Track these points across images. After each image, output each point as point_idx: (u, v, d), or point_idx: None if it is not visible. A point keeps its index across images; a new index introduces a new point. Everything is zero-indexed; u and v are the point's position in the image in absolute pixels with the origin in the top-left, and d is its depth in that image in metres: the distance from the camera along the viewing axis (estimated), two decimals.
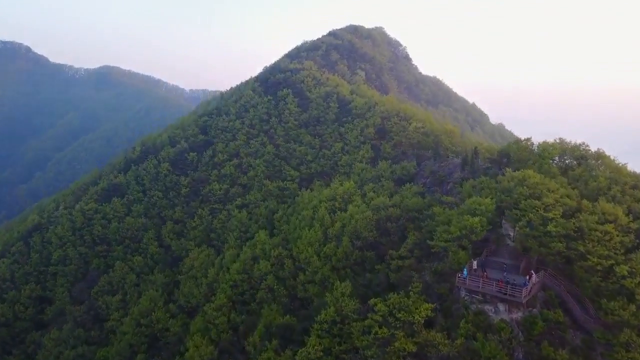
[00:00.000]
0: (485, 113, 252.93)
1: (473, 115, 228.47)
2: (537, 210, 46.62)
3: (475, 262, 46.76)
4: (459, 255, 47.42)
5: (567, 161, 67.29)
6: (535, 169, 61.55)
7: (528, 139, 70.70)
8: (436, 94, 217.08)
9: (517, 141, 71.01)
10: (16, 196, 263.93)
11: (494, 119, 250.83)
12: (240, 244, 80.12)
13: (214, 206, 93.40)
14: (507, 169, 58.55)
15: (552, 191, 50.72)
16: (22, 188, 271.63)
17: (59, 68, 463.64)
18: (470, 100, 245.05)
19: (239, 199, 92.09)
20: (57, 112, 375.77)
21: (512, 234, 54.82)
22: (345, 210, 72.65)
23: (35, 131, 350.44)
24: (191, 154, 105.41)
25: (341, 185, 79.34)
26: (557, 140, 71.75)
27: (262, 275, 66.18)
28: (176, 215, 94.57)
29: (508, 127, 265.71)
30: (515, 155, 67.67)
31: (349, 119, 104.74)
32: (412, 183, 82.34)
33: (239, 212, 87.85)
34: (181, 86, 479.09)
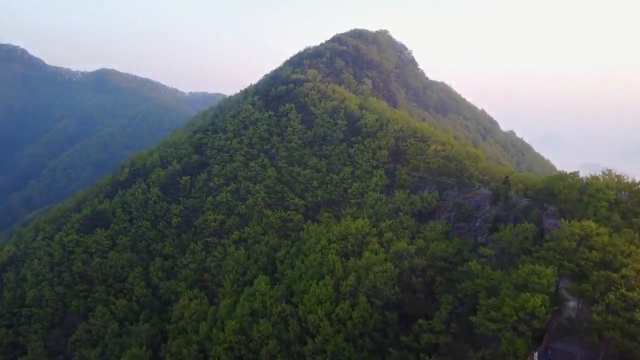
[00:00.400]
0: (495, 120, 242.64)
1: (483, 124, 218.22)
2: (618, 289, 36.10)
3: (535, 355, 36.28)
4: (516, 345, 36.84)
5: (622, 198, 56.84)
6: (589, 214, 51.26)
7: (575, 174, 60.09)
8: (445, 100, 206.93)
9: (562, 176, 60.32)
10: (9, 205, 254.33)
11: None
12: (237, 289, 69.68)
13: (208, 239, 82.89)
14: (562, 220, 47.87)
15: (627, 255, 40.27)
16: (15, 196, 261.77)
17: (56, 71, 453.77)
18: (478, 105, 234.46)
19: (236, 232, 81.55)
20: (53, 117, 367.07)
21: (574, 303, 44.44)
22: (360, 255, 62.31)
23: (31, 136, 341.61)
24: (184, 177, 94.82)
25: (353, 221, 68.82)
26: (605, 173, 61.51)
27: (263, 337, 55.73)
28: (166, 250, 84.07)
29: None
30: (562, 194, 57.01)
31: (359, 138, 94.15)
32: (435, 218, 72.13)
33: (236, 249, 77.31)
34: (180, 88, 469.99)
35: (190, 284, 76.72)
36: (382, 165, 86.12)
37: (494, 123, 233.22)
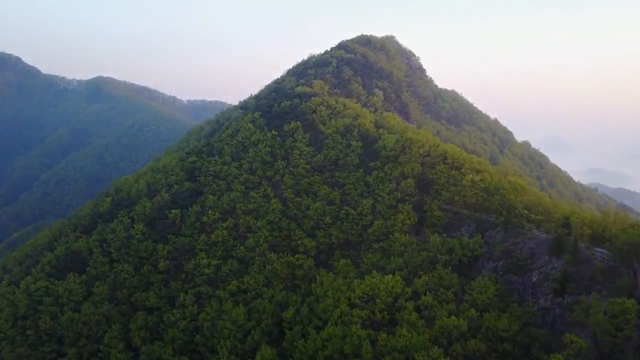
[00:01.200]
0: (509, 130, 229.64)
1: (498, 134, 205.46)
2: None
3: None
4: None
5: None
6: None
7: None
8: (457, 111, 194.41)
9: None
10: None
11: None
12: None
13: (200, 289, 69.10)
14: None
15: None
16: (5, 211, 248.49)
17: (51, 80, 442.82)
18: (487, 113, 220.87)
19: (234, 281, 67.75)
20: (47, 127, 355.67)
21: None
22: (392, 325, 48.70)
23: (24, 147, 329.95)
24: (173, 211, 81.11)
25: (381, 278, 55.02)
26: None
27: None
28: (151, 302, 70.10)
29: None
30: None
31: (378, 163, 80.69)
32: (478, 268, 58.58)
33: (234, 304, 63.49)
34: (179, 96, 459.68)
35: (178, 348, 62.79)
36: (408, 198, 72.44)
37: (508, 133, 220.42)
